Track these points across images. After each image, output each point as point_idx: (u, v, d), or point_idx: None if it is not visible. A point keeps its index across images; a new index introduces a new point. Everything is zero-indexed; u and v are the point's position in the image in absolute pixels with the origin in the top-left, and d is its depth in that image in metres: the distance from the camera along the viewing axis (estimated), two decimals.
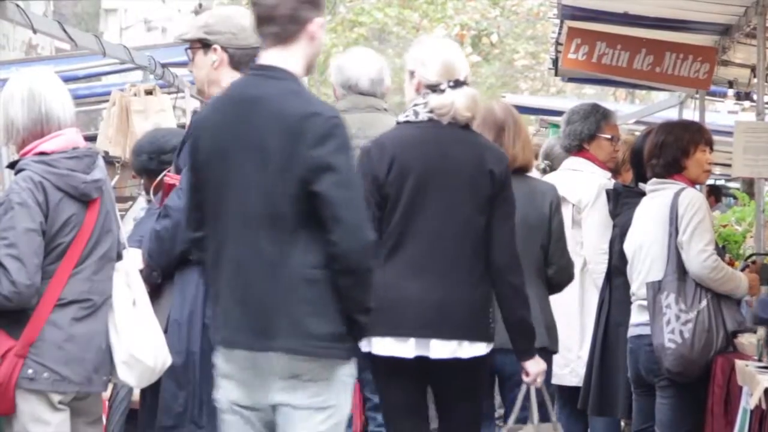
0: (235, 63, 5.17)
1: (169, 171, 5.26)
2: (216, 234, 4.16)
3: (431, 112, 4.92)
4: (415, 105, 4.97)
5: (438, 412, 5.02)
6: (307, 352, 4.04)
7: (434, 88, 4.91)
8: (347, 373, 4.14)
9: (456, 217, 4.85)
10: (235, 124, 4.14)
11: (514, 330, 4.96)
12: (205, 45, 5.17)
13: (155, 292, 5.00)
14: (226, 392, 4.21)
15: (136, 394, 5.52)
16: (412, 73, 4.99)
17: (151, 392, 5.08)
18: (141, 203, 5.77)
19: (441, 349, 4.82)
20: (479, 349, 4.85)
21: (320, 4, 4.27)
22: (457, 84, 4.92)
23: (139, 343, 4.74)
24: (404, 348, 4.82)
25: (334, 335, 4.08)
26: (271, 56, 4.19)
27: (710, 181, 13.49)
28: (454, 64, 4.97)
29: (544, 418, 5.22)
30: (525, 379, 5.06)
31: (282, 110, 4.09)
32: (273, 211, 4.03)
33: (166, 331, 4.94)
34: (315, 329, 4.05)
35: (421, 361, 4.83)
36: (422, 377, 4.90)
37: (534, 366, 5.02)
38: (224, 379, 4.21)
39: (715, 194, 11.94)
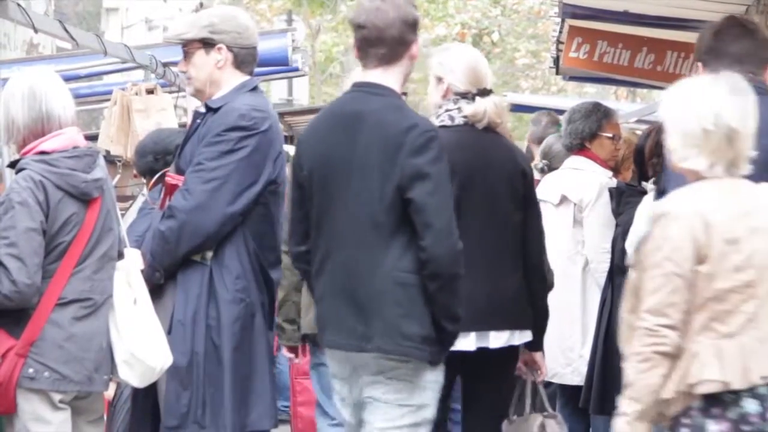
0: (239, 63, 5.16)
1: (168, 171, 5.25)
2: (321, 244, 4.55)
3: (466, 117, 5.11)
4: (448, 110, 5.15)
5: (465, 402, 5.20)
6: (398, 351, 4.40)
7: (464, 95, 5.11)
8: (432, 379, 4.47)
9: (498, 215, 5.06)
10: (340, 138, 4.53)
11: (541, 321, 5.19)
12: (207, 44, 5.13)
13: (158, 292, 4.99)
14: (336, 389, 4.64)
15: None
16: (439, 79, 5.18)
17: (144, 394, 5.08)
18: (141, 202, 5.77)
19: (498, 339, 5.03)
20: (526, 336, 5.11)
21: (417, 27, 4.64)
22: (484, 92, 5.11)
23: (140, 343, 4.74)
24: (467, 342, 4.95)
25: (423, 337, 4.40)
26: (374, 75, 4.59)
27: None
28: (482, 72, 5.18)
29: (541, 410, 5.35)
30: (524, 371, 5.23)
31: (385, 124, 4.47)
32: (374, 219, 4.40)
33: (169, 332, 4.94)
34: (405, 330, 4.39)
35: (464, 353, 4.96)
36: (456, 369, 5.01)
37: (543, 358, 5.28)
38: (333, 378, 4.64)
39: None
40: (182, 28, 5.26)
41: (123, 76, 11.23)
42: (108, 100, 8.51)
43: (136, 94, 8.20)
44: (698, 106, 3.84)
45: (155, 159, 5.97)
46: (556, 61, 10.98)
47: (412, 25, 4.59)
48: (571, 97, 23.39)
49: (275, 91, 24.53)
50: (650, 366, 3.77)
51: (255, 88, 5.18)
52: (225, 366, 4.97)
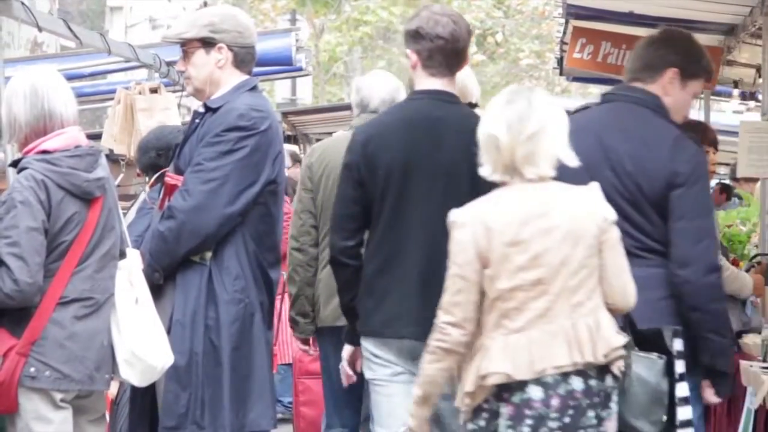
0: (238, 62, 5.14)
1: (168, 171, 5.24)
2: (389, 242, 4.73)
3: None
4: None
5: None
6: None
7: None
8: None
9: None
10: (423, 143, 4.73)
11: None
12: (207, 44, 5.12)
13: (157, 292, 4.98)
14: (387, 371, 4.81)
15: None
16: None
17: (142, 393, 5.07)
18: (141, 201, 5.76)
19: None
20: None
21: None
22: (471, 106, 5.23)
23: (141, 342, 4.74)
24: None
25: None
26: (442, 83, 4.82)
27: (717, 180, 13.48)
28: (468, 87, 5.42)
29: None
30: None
31: (469, 131, 4.41)
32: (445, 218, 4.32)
33: (168, 332, 4.93)
34: None
35: None
36: None
37: None
38: (384, 366, 4.79)
39: (727, 192, 11.92)
40: (182, 27, 5.24)
41: (127, 75, 11.24)
42: (112, 99, 8.51)
43: (140, 93, 8.20)
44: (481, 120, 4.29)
45: (158, 155, 5.97)
46: (560, 61, 10.97)
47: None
48: (575, 97, 23.37)
49: (279, 90, 24.52)
50: (433, 359, 4.18)
51: (254, 88, 5.17)
52: (224, 366, 4.97)
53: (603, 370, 4.19)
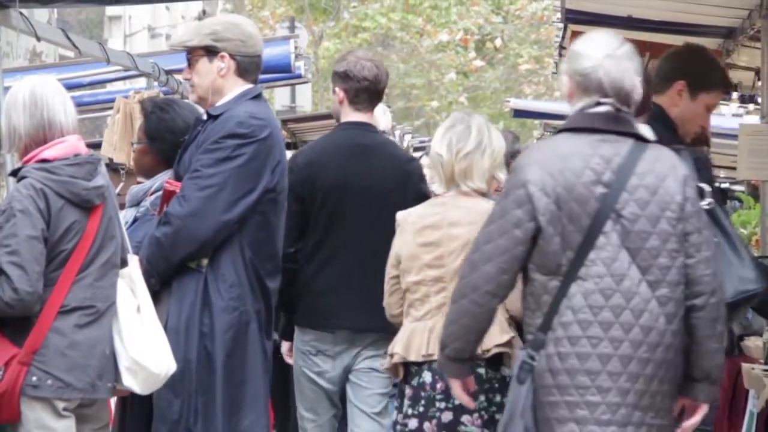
0: (241, 71, 5.15)
1: (167, 178, 5.24)
2: (325, 248, 5.70)
3: None
4: None
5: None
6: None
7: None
8: None
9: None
10: (356, 165, 5.73)
11: None
12: (210, 52, 5.12)
13: (153, 298, 4.97)
14: (318, 364, 5.80)
15: None
16: None
17: (138, 401, 5.06)
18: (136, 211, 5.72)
19: None
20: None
21: None
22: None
23: (143, 350, 4.74)
24: None
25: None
26: (366, 116, 5.81)
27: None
28: (379, 119, 6.30)
29: None
30: None
31: (393, 155, 5.84)
32: (387, 230, 5.32)
33: None
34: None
35: None
36: None
37: None
38: (315, 356, 5.79)
39: (723, 196, 11.94)
40: (186, 35, 5.25)
41: (126, 84, 11.25)
42: (111, 108, 8.50)
43: (139, 101, 8.19)
44: None
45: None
46: (559, 66, 10.97)
47: None
48: None
49: (278, 98, 24.51)
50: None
51: (258, 96, 5.17)
52: (217, 374, 4.96)
53: (495, 361, 4.93)
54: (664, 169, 4.11)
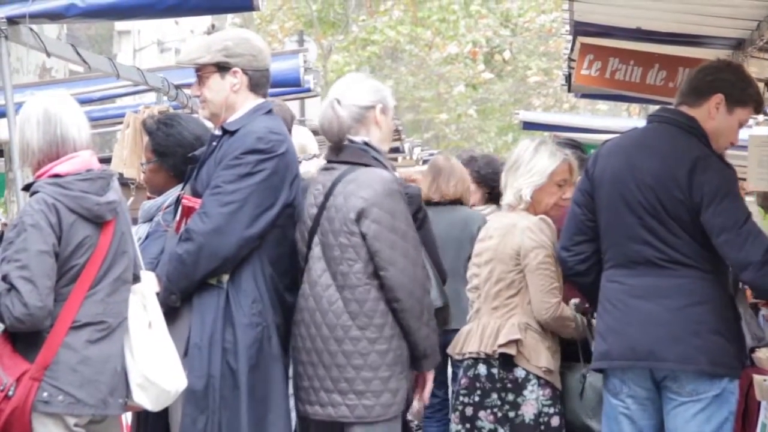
0: (253, 85, 5.15)
1: (184, 194, 5.23)
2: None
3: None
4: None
5: None
6: None
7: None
8: None
9: None
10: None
11: None
12: (222, 68, 5.12)
13: (173, 315, 4.97)
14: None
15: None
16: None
17: (155, 418, 5.05)
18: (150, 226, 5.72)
19: None
20: None
21: None
22: (315, 156, 6.35)
23: (154, 366, 4.73)
24: None
25: None
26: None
27: None
28: (307, 146, 6.46)
29: None
30: None
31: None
32: None
33: (185, 355, 4.92)
34: None
35: None
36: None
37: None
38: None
39: None
40: (196, 52, 5.23)
41: (135, 99, 11.25)
42: (121, 123, 8.52)
43: (141, 123, 8.20)
44: None
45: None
46: (568, 78, 10.97)
47: None
48: (584, 114, 23.36)
49: None
50: None
51: (270, 111, 5.18)
52: (241, 389, 4.95)
53: (508, 362, 5.39)
54: (352, 189, 4.92)
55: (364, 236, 4.85)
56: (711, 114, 4.94)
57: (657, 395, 4.89)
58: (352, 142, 4.99)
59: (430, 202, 7.40)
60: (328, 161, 5.05)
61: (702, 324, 4.78)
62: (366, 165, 4.93)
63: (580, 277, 5.13)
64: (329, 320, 4.93)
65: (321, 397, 4.98)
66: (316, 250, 4.96)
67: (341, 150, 5.00)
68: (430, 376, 5.12)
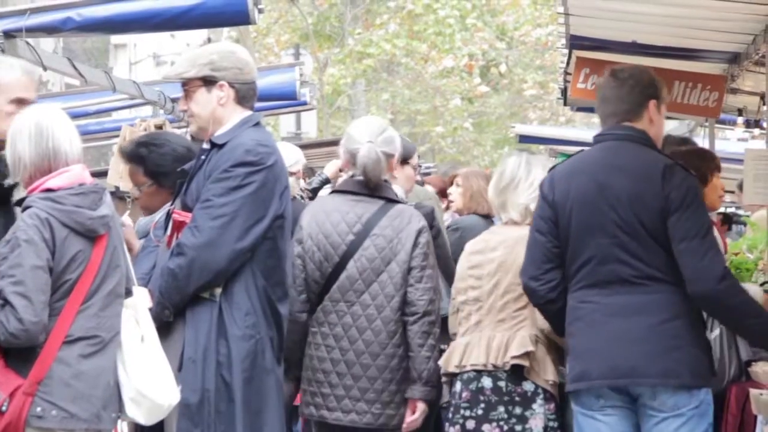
0: (240, 98, 5.15)
1: (174, 208, 5.22)
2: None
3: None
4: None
5: None
6: None
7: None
8: None
9: None
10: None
11: None
12: (208, 82, 5.12)
13: (167, 330, 4.97)
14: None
15: None
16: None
17: (150, 430, 5.04)
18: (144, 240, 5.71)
19: None
20: None
21: None
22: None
23: (147, 380, 4.72)
24: None
25: None
26: None
27: (721, 209, 13.47)
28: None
29: None
30: None
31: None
32: None
33: (179, 369, 4.91)
34: None
35: None
36: None
37: None
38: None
39: (727, 222, 11.95)
40: (182, 67, 5.23)
41: (131, 112, 11.27)
42: (117, 136, 8.53)
43: (145, 129, 8.21)
44: None
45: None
46: (564, 92, 10.99)
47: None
48: (580, 127, 23.39)
49: (283, 124, 24.54)
50: None
51: (257, 124, 5.18)
52: (236, 402, 4.95)
53: (517, 375, 5.36)
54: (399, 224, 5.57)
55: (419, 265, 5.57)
56: (653, 120, 5.07)
57: (634, 410, 4.91)
58: (386, 181, 5.68)
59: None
60: (356, 193, 5.66)
61: (680, 338, 4.84)
62: (399, 202, 5.71)
63: (550, 304, 5.08)
64: (367, 336, 5.52)
65: (344, 404, 5.49)
66: (353, 271, 5.56)
67: (378, 188, 5.65)
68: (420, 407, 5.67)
